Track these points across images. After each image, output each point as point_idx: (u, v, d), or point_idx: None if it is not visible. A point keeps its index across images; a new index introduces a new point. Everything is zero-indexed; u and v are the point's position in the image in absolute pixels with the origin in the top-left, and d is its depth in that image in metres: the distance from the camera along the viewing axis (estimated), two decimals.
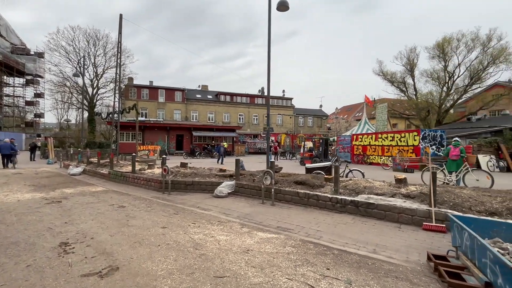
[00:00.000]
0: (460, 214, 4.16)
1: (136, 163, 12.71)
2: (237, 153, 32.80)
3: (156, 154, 26.36)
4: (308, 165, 9.88)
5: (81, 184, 10.08)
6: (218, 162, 18.63)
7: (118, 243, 3.91)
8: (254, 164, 18.39)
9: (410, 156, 16.75)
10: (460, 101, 29.02)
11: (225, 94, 44.21)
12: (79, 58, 28.59)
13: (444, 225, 4.48)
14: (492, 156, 16.62)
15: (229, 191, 7.59)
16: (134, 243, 3.91)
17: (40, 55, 37.81)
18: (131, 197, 7.54)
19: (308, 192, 6.29)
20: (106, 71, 32.30)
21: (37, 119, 41.89)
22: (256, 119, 45.26)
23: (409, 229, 4.68)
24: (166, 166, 8.07)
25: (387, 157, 18.64)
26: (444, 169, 8.89)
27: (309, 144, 27.19)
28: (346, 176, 9.40)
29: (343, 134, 26.25)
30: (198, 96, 42.61)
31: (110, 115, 21.59)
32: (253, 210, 6.10)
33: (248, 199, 7.22)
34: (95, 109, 31.01)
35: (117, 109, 16.17)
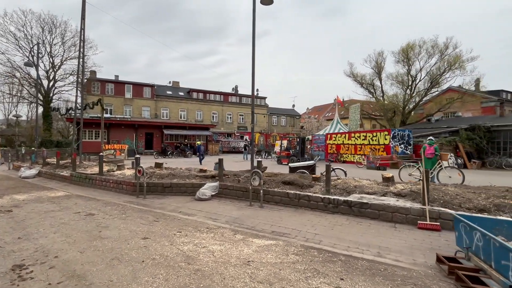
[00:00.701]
0: (465, 213, 4.15)
1: (104, 164, 11.55)
2: (211, 152, 31.93)
3: (123, 154, 24.57)
4: (292, 164, 9.71)
5: (36, 189, 8.78)
6: (201, 163, 17.63)
7: (91, 261, 3.25)
8: (231, 163, 17.85)
9: (381, 155, 17.55)
10: (420, 103, 31.32)
11: (197, 91, 42.84)
12: (31, 46, 25.42)
13: (438, 223, 4.50)
14: (451, 154, 18.09)
15: (213, 193, 7.08)
16: (112, 260, 3.29)
17: None
18: (101, 203, 6.66)
19: (298, 192, 6.04)
20: (64, 62, 29.19)
21: None
22: (230, 117, 44.57)
23: (404, 229, 4.63)
24: (141, 167, 7.29)
25: (360, 156, 19.36)
26: (420, 166, 9.28)
27: (284, 143, 27.45)
28: None
29: (317, 133, 26.81)
30: (169, 92, 40.70)
31: (71, 111, 19.53)
32: (242, 213, 5.69)
33: (234, 201, 6.78)
34: (52, 104, 27.89)
35: (79, 104, 14.56)
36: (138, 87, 37.35)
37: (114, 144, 26.89)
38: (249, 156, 24.81)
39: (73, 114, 29.03)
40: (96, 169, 10.55)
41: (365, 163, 17.09)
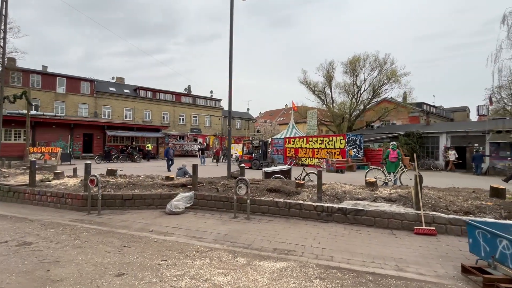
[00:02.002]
0: (479, 219, 4.19)
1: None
2: (163, 156, 29.49)
3: (54, 158, 20.72)
4: (267, 169, 9.26)
5: None
6: (169, 169, 15.50)
7: None
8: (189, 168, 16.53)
9: (337, 158, 18.53)
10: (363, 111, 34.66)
11: (146, 89, 39.42)
12: None
13: (434, 228, 4.56)
14: None
15: (187, 205, 6.11)
16: None
17: None
18: (37, 224, 5.08)
19: (289, 201, 5.59)
20: None
21: None
22: (183, 119, 42.18)
23: (403, 235, 4.58)
24: (95, 176, 5.87)
25: (318, 159, 20.13)
26: (384, 170, 9.84)
27: (238, 147, 27.03)
28: (303, 179, 9.24)
29: (275, 137, 27.12)
30: (112, 89, 36.39)
31: None
32: (230, 228, 4.95)
33: (214, 214, 5.96)
34: None
35: None
36: (73, 81, 32.39)
37: (42, 147, 22.55)
38: (207, 160, 23.56)
39: None
40: (22, 179, 8.33)
41: (324, 166, 17.80)
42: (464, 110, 53.65)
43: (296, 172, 10.19)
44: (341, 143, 18.77)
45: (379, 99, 33.37)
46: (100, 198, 5.87)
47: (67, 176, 8.77)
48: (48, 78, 30.87)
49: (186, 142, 39.88)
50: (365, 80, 31.62)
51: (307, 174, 9.38)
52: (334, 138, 19.46)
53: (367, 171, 10.34)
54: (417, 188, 4.89)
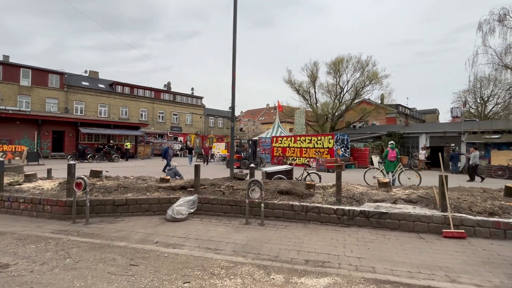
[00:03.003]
0: (506, 220, 3.94)
1: None
2: (143, 155, 27.94)
3: (18, 158, 18.64)
4: (268, 169, 8.77)
5: None
6: (165, 170, 14.00)
7: None
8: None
9: (326, 158, 18.55)
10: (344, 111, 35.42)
11: (123, 84, 37.16)
12: None
13: (463, 231, 4.37)
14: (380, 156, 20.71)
15: (191, 210, 5.46)
16: None
17: None
18: (10, 238, 4.16)
19: (306, 204, 5.16)
20: None
21: None
22: (162, 116, 40.39)
23: (432, 239, 4.33)
24: (82, 178, 5.02)
25: (305, 158, 20.03)
26: (383, 169, 9.80)
27: (221, 146, 26.29)
28: (305, 180, 8.89)
29: (262, 136, 26.72)
30: (85, 83, 33.80)
31: None
32: (246, 236, 4.41)
33: (222, 219, 5.37)
34: None
35: None
36: (40, 73, 29.59)
37: (4, 145, 20.21)
38: (194, 159, 22.38)
39: None
40: None
41: (314, 166, 17.71)
42: (434, 112, 57.17)
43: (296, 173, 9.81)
44: (329, 143, 18.80)
45: (359, 100, 34.27)
46: (88, 204, 5.03)
47: (40, 179, 7.66)
48: (10, 69, 27.92)
49: (166, 140, 38.21)
50: (348, 81, 32.31)
51: (308, 174, 9.05)
52: (323, 137, 19.47)
53: (366, 171, 10.26)
54: (442, 188, 4.69)
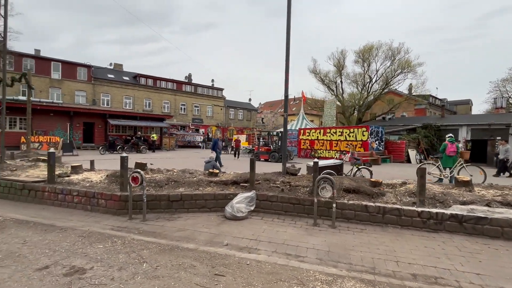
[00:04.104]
0: None
1: (44, 165, 8.11)
2: (168, 146, 28.19)
3: (52, 148, 19.23)
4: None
5: None
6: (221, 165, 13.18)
7: None
8: (194, 160, 15.38)
9: (359, 151, 17.63)
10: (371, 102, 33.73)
11: (146, 77, 37.51)
12: None
13: None
14: (417, 150, 19.48)
15: (251, 208, 5.04)
16: None
17: None
18: (73, 235, 3.93)
19: (383, 205, 4.57)
20: None
21: None
22: (184, 108, 40.56)
23: None
24: (138, 172, 4.71)
25: (336, 152, 19.18)
26: (439, 165, 8.92)
27: (242, 138, 25.85)
28: (354, 176, 8.26)
29: (289, 128, 25.98)
30: (111, 76, 34.41)
31: None
32: (324, 241, 3.91)
33: (285, 219, 4.90)
34: None
35: None
36: (69, 67, 30.40)
37: (40, 136, 20.99)
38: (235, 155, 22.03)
39: None
40: (34, 173, 7.10)
41: (345, 159, 16.89)
42: (467, 103, 53.44)
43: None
44: (363, 135, 17.83)
45: (386, 90, 32.46)
46: (145, 200, 4.73)
47: (86, 170, 7.56)
48: (42, 62, 28.85)
49: (188, 132, 38.47)
50: (377, 70, 30.63)
51: (359, 169, 8.40)
52: (356, 129, 18.50)
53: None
54: None
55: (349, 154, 16.94)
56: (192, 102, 41.77)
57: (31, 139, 18.96)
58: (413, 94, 35.16)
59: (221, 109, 45.05)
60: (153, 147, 24.09)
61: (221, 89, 46.49)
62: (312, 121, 33.36)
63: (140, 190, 5.07)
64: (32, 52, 29.93)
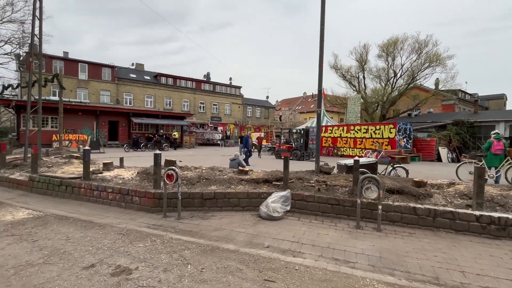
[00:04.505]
0: None
1: (77, 162, 8.34)
2: (188, 144, 28.58)
3: (80, 146, 20.04)
4: (348, 162, 7.83)
5: None
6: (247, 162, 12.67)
7: None
8: (216, 158, 15.37)
9: (385, 149, 16.86)
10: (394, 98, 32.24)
11: (166, 76, 38.24)
12: None
13: None
14: (448, 148, 18.34)
15: (287, 208, 4.83)
16: None
17: None
18: (112, 233, 3.91)
19: (434, 208, 4.19)
20: None
21: None
22: (203, 106, 40.99)
23: None
24: (173, 169, 4.63)
25: (361, 150, 18.49)
26: (483, 163, 8.23)
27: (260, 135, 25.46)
28: (389, 175, 7.80)
29: (310, 126, 25.48)
30: (133, 76, 35.43)
31: (10, 89, 14.69)
32: (372, 245, 3.62)
33: (323, 220, 4.64)
34: None
35: (32, 80, 10.48)
36: (95, 68, 31.58)
37: (69, 134, 21.97)
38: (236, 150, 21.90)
39: (7, 94, 22.80)
40: (69, 169, 7.31)
41: (372, 157, 16.20)
42: (501, 97, 49.83)
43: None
44: (390, 132, 17.03)
45: (412, 85, 30.85)
46: (180, 198, 4.66)
47: (116, 167, 7.68)
48: (70, 64, 30.15)
49: (207, 130, 38.85)
50: (402, 65, 29.19)
51: (394, 168, 7.93)
52: (382, 126, 17.71)
53: (460, 165, 8.76)
54: None
55: (376, 152, 16.26)
56: (211, 101, 42.13)
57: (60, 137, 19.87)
58: (441, 89, 33.22)
59: (239, 107, 45.11)
60: (175, 144, 24.49)
61: (239, 87, 46.52)
62: (331, 118, 32.54)
63: (172, 188, 5.02)
64: (61, 55, 31.40)
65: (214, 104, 42.48)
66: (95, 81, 31.31)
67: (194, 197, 5.08)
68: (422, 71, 28.47)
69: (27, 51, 26.42)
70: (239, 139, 24.62)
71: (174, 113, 31.06)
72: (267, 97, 54.09)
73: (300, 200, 4.99)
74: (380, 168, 8.57)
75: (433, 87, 35.26)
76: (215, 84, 43.31)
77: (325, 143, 21.49)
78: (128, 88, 33.96)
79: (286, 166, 5.30)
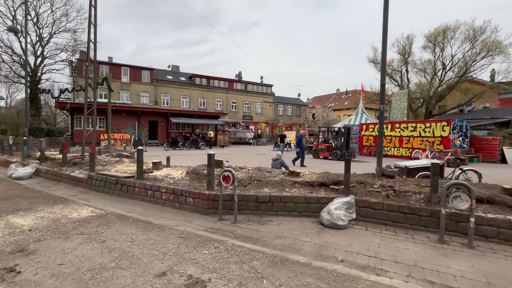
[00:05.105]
0: None
1: (128, 160, 8.64)
2: (223, 142, 28.98)
3: (124, 145, 21.28)
4: (410, 164, 7.08)
5: (42, 201, 5.77)
6: (303, 163, 12.60)
7: None
8: (251, 157, 15.09)
9: (437, 149, 15.30)
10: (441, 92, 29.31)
11: (200, 76, 39.24)
12: (14, 9, 20.81)
13: None
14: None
15: (353, 216, 4.37)
16: None
17: None
18: (173, 236, 3.81)
19: None
20: (54, 35, 24.67)
21: None
22: (235, 106, 41.37)
23: None
24: (229, 170, 4.44)
25: (407, 149, 17.04)
26: None
27: (291, 135, 24.71)
28: (457, 179, 6.88)
29: (351, 124, 24.29)
30: (169, 77, 36.91)
31: (66, 92, 16.03)
32: (472, 267, 3.03)
33: (396, 231, 4.11)
34: (40, 85, 23.76)
35: (84, 85, 11.30)
36: (135, 71, 33.43)
37: (114, 133, 23.46)
38: (264, 148, 21.53)
39: (63, 98, 24.97)
40: (121, 168, 7.58)
41: (421, 158, 14.81)
42: None
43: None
44: (443, 130, 15.41)
45: (464, 78, 27.74)
46: (237, 201, 4.45)
47: (164, 166, 7.79)
48: (114, 68, 32.25)
49: (239, 129, 39.14)
50: (453, 56, 26.40)
51: (463, 171, 6.99)
52: (433, 124, 16.10)
53: None
54: None
55: (428, 152, 14.81)
56: (243, 100, 42.36)
57: (106, 137, 21.29)
58: (500, 81, 29.51)
59: (270, 105, 44.75)
60: (210, 143, 24.95)
61: (270, 86, 46.15)
62: (371, 116, 30.65)
63: (224, 190, 4.84)
64: (106, 60, 33.77)
65: (245, 103, 42.67)
66: (135, 83, 33.15)
67: (248, 200, 4.85)
68: (477, 62, 25.52)
69: (78, 57, 28.84)
70: (278, 138, 24.27)
71: (209, 113, 31.72)
72: (299, 94, 53.10)
73: (366, 208, 4.50)
74: (438, 171, 7.63)
75: (487, 79, 31.57)
76: (246, 83, 43.46)
77: (366, 142, 20.26)
78: (165, 89, 35.44)
79: (347, 168, 4.82)
